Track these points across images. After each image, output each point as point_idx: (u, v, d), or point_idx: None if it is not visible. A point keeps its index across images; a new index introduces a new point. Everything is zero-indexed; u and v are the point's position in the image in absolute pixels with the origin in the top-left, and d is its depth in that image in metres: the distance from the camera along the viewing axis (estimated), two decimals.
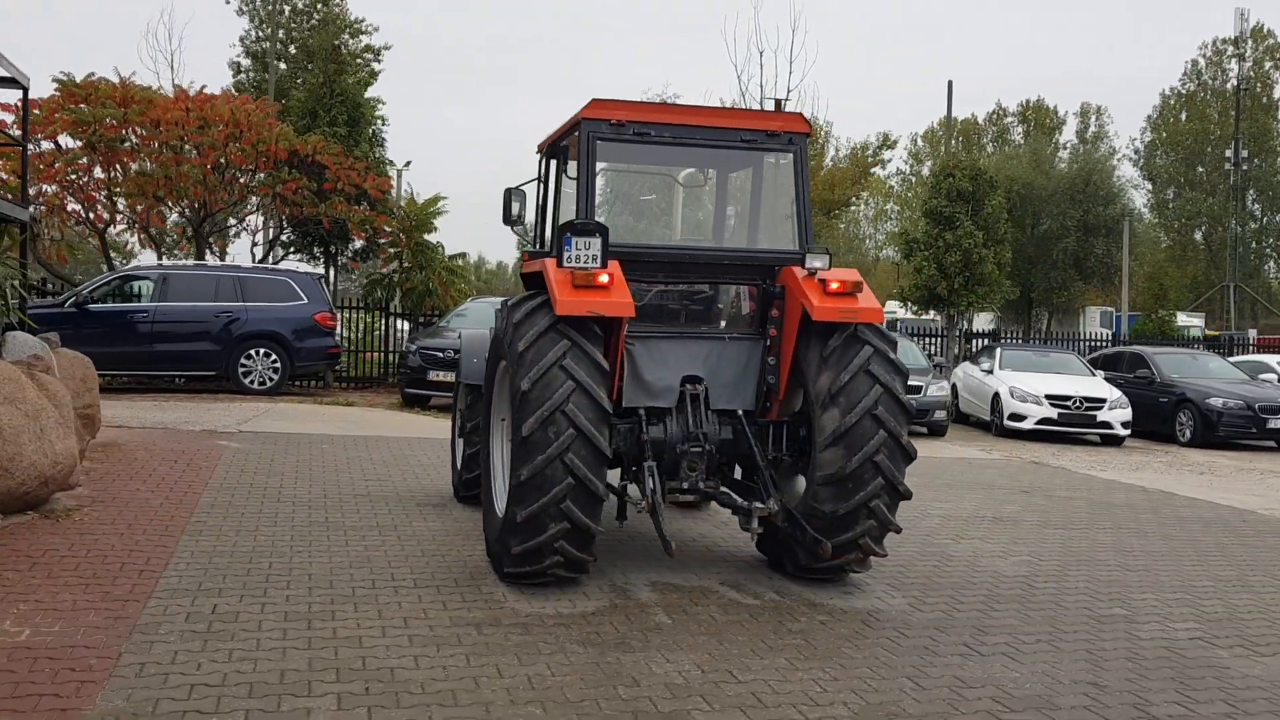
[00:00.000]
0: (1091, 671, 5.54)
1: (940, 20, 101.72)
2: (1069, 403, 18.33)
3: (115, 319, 17.33)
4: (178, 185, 20.04)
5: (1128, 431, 18.51)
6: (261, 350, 17.68)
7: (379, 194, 21.86)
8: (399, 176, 43.34)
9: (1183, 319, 42.10)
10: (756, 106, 33.22)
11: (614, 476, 7.15)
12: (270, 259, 24.12)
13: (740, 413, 7.02)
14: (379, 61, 42.22)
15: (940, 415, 18.00)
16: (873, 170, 46.99)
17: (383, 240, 22.44)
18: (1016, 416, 18.59)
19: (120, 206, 21.07)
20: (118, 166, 20.54)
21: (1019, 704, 5.03)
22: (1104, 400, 18.47)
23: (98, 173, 20.46)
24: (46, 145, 20.10)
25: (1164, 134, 65.48)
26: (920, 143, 69.17)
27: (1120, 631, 6.31)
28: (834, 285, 6.63)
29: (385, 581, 6.54)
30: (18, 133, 14.65)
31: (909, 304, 26.27)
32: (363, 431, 13.68)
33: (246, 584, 6.33)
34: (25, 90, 10.84)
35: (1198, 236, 64.62)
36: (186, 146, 20.55)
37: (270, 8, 41.13)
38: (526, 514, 6.10)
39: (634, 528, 7.94)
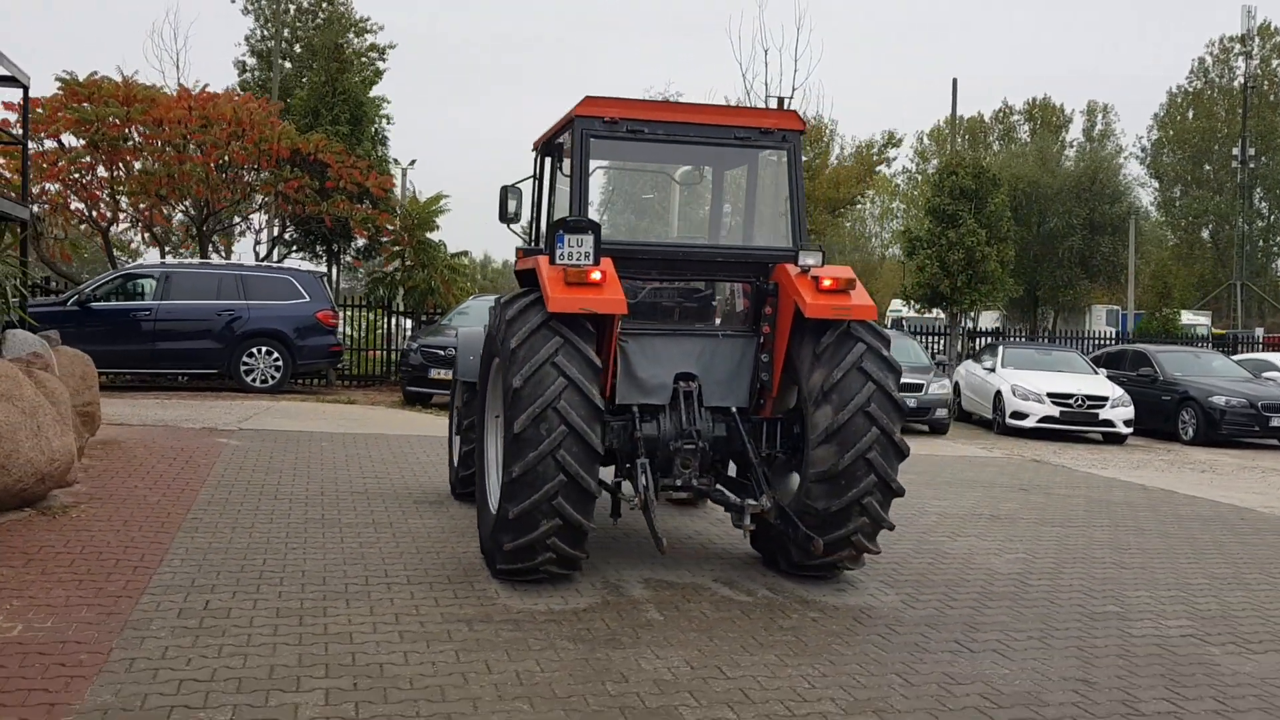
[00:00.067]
0: (1081, 668, 5.54)
1: (946, 18, 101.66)
2: (1071, 401, 18.30)
3: (118, 317, 17.37)
4: (180, 184, 20.09)
5: (1130, 430, 18.47)
6: (263, 348, 17.72)
7: (381, 192, 21.89)
8: (404, 175, 43.42)
9: (1189, 317, 42.01)
10: (761, 105, 33.20)
11: (609, 474, 7.18)
12: (272, 257, 24.17)
13: (734, 410, 7.03)
14: (384, 60, 42.34)
15: (942, 413, 17.98)
16: (878, 169, 47.00)
17: (385, 238, 22.47)
18: (1018, 415, 18.56)
19: (123, 205, 21.11)
20: (120, 165, 20.58)
21: (1007, 700, 5.03)
22: (1106, 398, 18.44)
23: (101, 171, 20.52)
24: (50, 144, 20.16)
25: (1171, 132, 65.35)
26: (926, 141, 69.13)
27: (1112, 629, 6.31)
28: (827, 282, 6.62)
29: (378, 578, 6.56)
30: (19, 131, 14.68)
31: (912, 302, 26.24)
32: (363, 429, 13.71)
33: (240, 580, 6.35)
34: (25, 89, 10.88)
35: (1205, 235, 64.49)
36: (189, 145, 20.59)
37: (275, 7, 41.19)
38: (518, 510, 6.11)
39: (628, 525, 7.95)
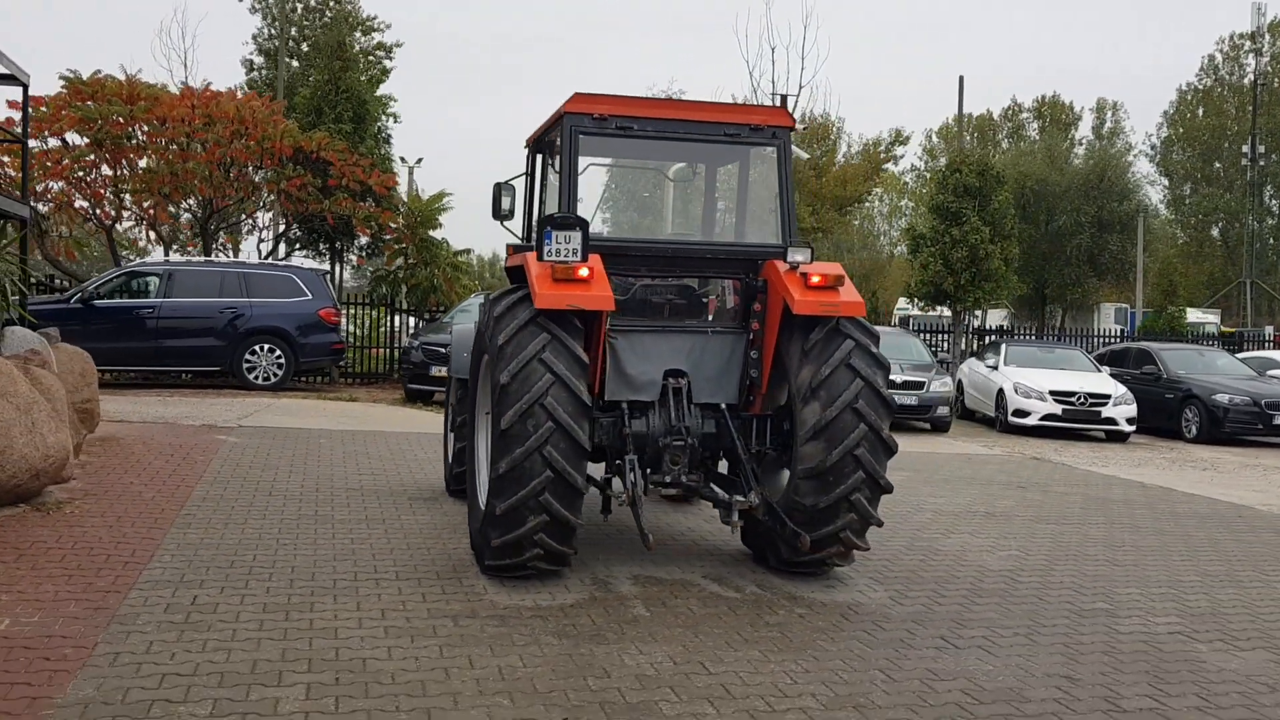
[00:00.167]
0: (1066, 665, 5.53)
1: (955, 16, 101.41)
2: (1073, 399, 18.25)
3: (121, 315, 17.45)
4: (183, 182, 20.15)
5: (1133, 428, 18.42)
6: (266, 346, 17.79)
7: (383, 190, 21.93)
8: (410, 174, 43.51)
9: (1197, 315, 41.89)
10: (768, 103, 33.18)
11: (600, 471, 7.20)
12: (278, 255, 24.23)
13: (723, 406, 7.03)
14: (390, 59, 42.46)
15: (943, 411, 17.96)
16: (885, 166, 46.89)
17: (388, 236, 22.52)
18: (1020, 413, 18.52)
19: (127, 203, 21.19)
20: (124, 164, 20.66)
21: (988, 696, 5.03)
22: (1109, 396, 18.39)
23: (105, 170, 20.60)
24: (54, 142, 20.24)
25: (1181, 129, 65.11)
26: (935, 139, 69.00)
27: (1100, 625, 6.30)
28: (815, 279, 6.62)
29: (367, 574, 6.58)
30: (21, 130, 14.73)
31: (915, 300, 26.21)
32: (362, 426, 13.75)
33: (229, 576, 6.37)
34: (25, 87, 10.93)
35: (1214, 233, 64.25)
36: (192, 143, 20.66)
37: (283, 5, 41.31)
38: (505, 507, 6.12)
39: (619, 521, 7.96)
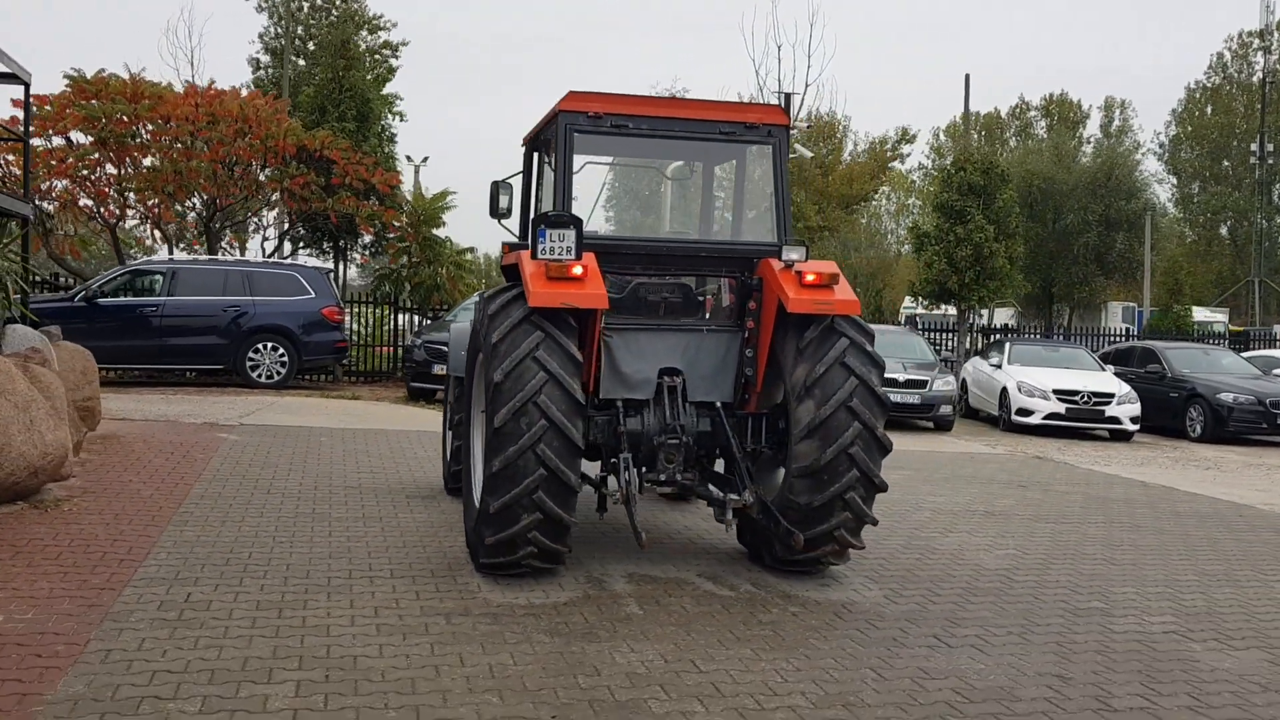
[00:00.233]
0: (1058, 664, 5.52)
1: (953, 16, 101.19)
2: (1077, 398, 18.21)
3: (125, 313, 17.49)
4: (188, 181, 20.20)
5: (1136, 427, 18.37)
6: (269, 344, 17.82)
7: (387, 189, 21.96)
8: (416, 173, 43.54)
9: (1204, 314, 41.77)
10: (775, 101, 33.17)
11: (595, 469, 7.19)
12: (283, 253, 24.29)
13: (718, 405, 7.03)
14: (396, 58, 42.50)
15: (946, 410, 17.92)
16: (892, 164, 46.81)
17: (391, 235, 22.55)
18: (1024, 411, 18.49)
19: (131, 201, 21.24)
20: (129, 162, 20.71)
21: (979, 695, 5.02)
22: (1112, 395, 18.35)
23: (109, 168, 20.65)
24: (58, 141, 20.30)
25: (1189, 128, 64.96)
26: (943, 137, 68.85)
27: (1094, 625, 6.29)
28: (810, 277, 6.62)
29: (362, 572, 6.59)
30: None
31: (919, 298, 26.17)
32: (364, 425, 13.77)
33: (224, 573, 6.38)
34: (27, 86, 10.98)
35: (1223, 231, 64.09)
36: (196, 142, 20.71)
37: (289, 4, 41.36)
38: (499, 505, 6.13)
39: (615, 520, 7.96)
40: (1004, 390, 19.10)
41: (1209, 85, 65.05)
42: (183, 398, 15.68)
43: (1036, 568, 7.67)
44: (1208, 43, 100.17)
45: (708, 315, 7.32)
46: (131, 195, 20.98)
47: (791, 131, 30.70)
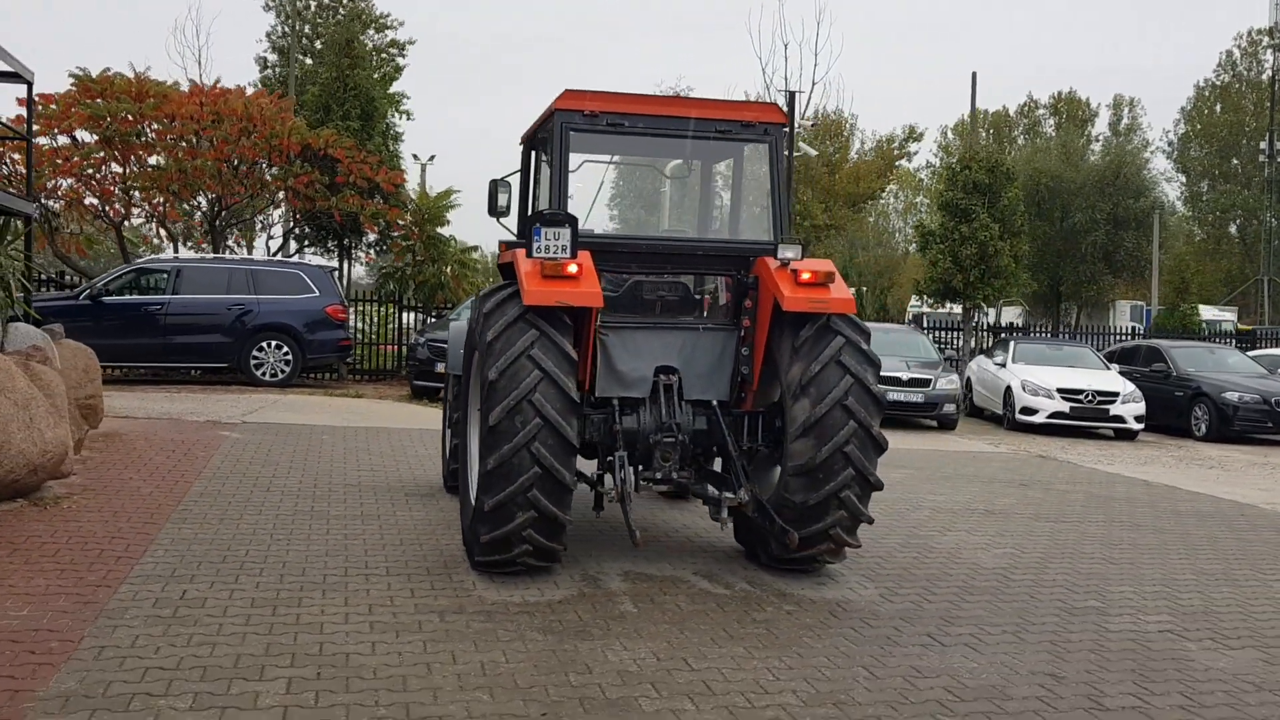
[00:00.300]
0: (1052, 663, 5.51)
1: (970, 11, 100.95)
2: (1081, 397, 18.17)
3: (130, 311, 17.55)
4: (192, 179, 20.25)
5: (1141, 426, 18.32)
6: (273, 342, 17.87)
7: (391, 187, 22.00)
8: (423, 171, 43.59)
9: (1212, 313, 41.60)
10: (780, 99, 33.15)
11: (592, 467, 7.20)
12: (286, 252, 24.33)
13: (714, 403, 7.03)
14: (403, 56, 42.56)
15: (949, 409, 17.90)
16: (899, 163, 46.74)
17: (395, 233, 22.59)
18: (1028, 410, 18.45)
19: (136, 200, 21.30)
20: (134, 161, 20.77)
21: (970, 694, 5.01)
22: (1117, 394, 18.30)
23: (114, 167, 20.71)
24: (63, 140, 20.36)
25: (1198, 126, 64.66)
26: (951, 135, 68.71)
27: (1090, 624, 6.27)
28: (805, 276, 6.61)
29: (358, 569, 6.60)
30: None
31: (924, 297, 26.13)
32: (366, 423, 13.79)
33: (220, 571, 6.40)
34: (30, 85, 11.02)
35: (1232, 230, 63.81)
36: (201, 141, 20.77)
37: (295, 3, 41.43)
38: (494, 502, 6.14)
39: (612, 518, 7.96)
40: (1008, 389, 19.07)
41: (1218, 83, 64.72)
42: (186, 396, 15.71)
43: (1034, 566, 7.65)
44: (1207, 43, 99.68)
45: (704, 314, 7.33)
46: (137, 194, 21.03)
47: (797, 130, 30.57)
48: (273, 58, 42.54)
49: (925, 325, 29.16)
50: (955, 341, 26.75)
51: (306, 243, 24.60)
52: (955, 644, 5.74)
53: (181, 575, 6.26)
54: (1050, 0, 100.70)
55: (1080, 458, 14.96)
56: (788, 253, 6.73)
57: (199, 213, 22.93)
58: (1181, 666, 5.58)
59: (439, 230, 22.03)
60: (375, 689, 4.70)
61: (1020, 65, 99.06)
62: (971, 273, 23.50)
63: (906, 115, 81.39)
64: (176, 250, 21.87)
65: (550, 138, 7.01)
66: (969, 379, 21.28)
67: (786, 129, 7.39)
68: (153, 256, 20.06)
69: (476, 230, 30.30)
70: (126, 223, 22.04)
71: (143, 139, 20.65)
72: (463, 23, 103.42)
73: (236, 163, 21.13)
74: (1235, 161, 63.46)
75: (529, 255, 6.40)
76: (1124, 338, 27.71)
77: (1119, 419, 18.20)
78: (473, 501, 6.61)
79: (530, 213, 7.74)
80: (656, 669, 5.14)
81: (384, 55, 41.52)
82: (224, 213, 22.56)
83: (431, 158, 45.57)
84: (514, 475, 6.09)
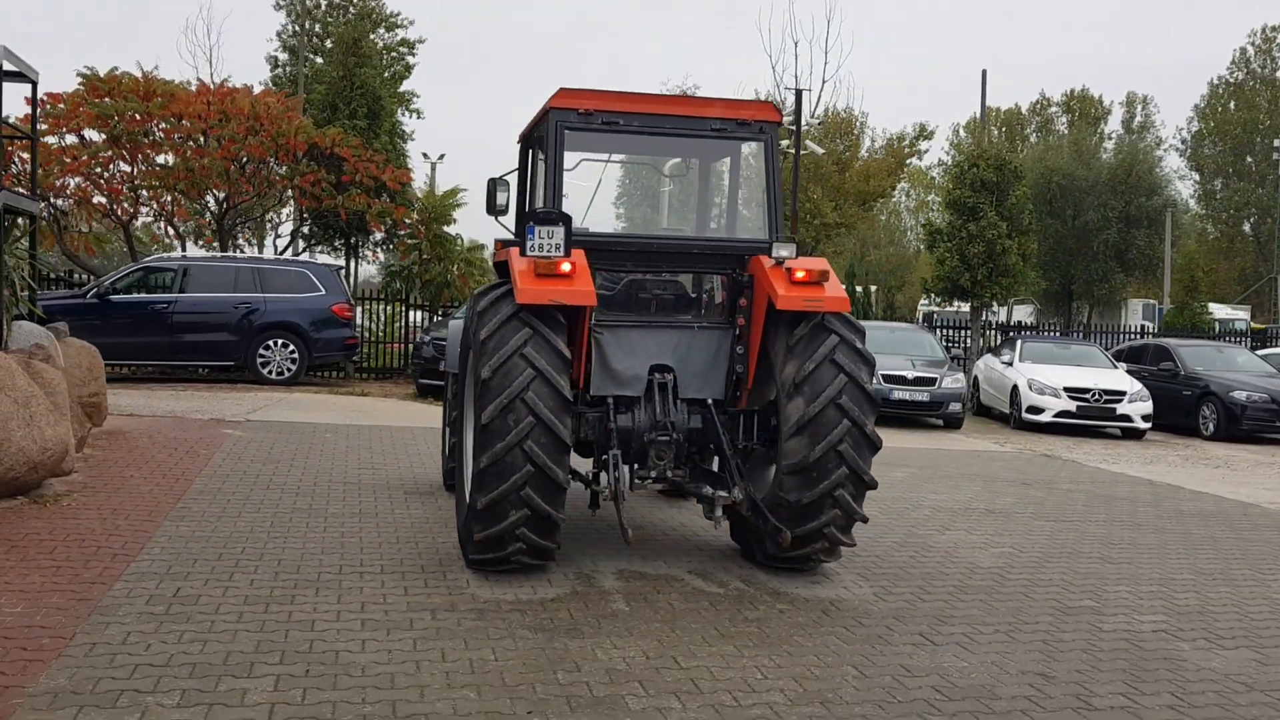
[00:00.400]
0: (1042, 662, 5.50)
1: (982, 8, 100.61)
2: (1088, 395, 18.11)
3: (137, 310, 17.62)
4: (199, 178, 20.32)
5: (1148, 425, 18.25)
6: (280, 341, 17.92)
7: (397, 186, 22.02)
8: (432, 169, 43.64)
9: (1225, 312, 41.37)
10: (789, 97, 33.12)
11: (588, 466, 7.20)
12: (294, 250, 24.39)
13: (709, 402, 7.03)
14: (413, 55, 42.59)
15: (955, 407, 17.85)
16: (909, 161, 46.62)
17: (402, 232, 22.62)
18: (1034, 409, 18.39)
19: (144, 199, 21.38)
20: (141, 160, 20.85)
21: (959, 693, 5.01)
22: (1124, 393, 18.23)
23: (122, 166, 20.79)
24: (71, 139, 20.44)
25: (1212, 123, 64.32)
26: (962, 133, 68.50)
27: (1084, 623, 6.26)
28: (800, 274, 6.61)
29: (352, 567, 6.62)
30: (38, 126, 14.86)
31: (932, 295, 26.05)
32: (369, 421, 13.83)
33: (215, 568, 6.43)
34: (34, 85, 11.06)
35: (1246, 228, 63.47)
36: (208, 140, 20.83)
37: (305, 2, 41.51)
38: (487, 501, 6.15)
39: (607, 516, 7.95)
40: (1015, 388, 19.01)
41: (1232, 80, 64.39)
42: (192, 394, 15.78)
43: (1031, 566, 7.63)
44: (1221, 39, 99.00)
45: (700, 312, 7.33)
46: (145, 193, 21.11)
47: (805, 129, 30.44)
48: (283, 57, 42.64)
49: (935, 324, 29.08)
50: (963, 339, 26.68)
51: (314, 241, 24.65)
52: (947, 643, 5.73)
53: (177, 572, 6.29)
54: (1044, 2, 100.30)
55: (1085, 457, 14.92)
56: (782, 251, 6.73)
57: (208, 212, 23.00)
58: (1173, 666, 5.56)
59: (445, 229, 22.05)
60: (363, 686, 4.72)
61: (1033, 62, 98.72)
62: (979, 271, 23.42)
63: (918, 113, 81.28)
64: (184, 249, 21.92)
65: (545, 136, 7.02)
66: (976, 378, 21.23)
67: (781, 127, 7.37)
68: (160, 255, 20.13)
69: (484, 229, 30.36)
70: (136, 221, 22.13)
71: (150, 138, 20.72)
72: (463, 23, 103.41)
73: (244, 161, 21.20)
74: (1249, 159, 63.12)
75: (522, 254, 6.41)
76: (1135, 336, 27.60)
77: (1126, 418, 18.13)
78: (467, 499, 6.63)
79: (528, 211, 7.74)
80: (645, 667, 5.15)
81: (394, 54, 41.54)
82: (231, 211, 22.63)
83: (441, 156, 45.64)
84: (507, 474, 6.11)
